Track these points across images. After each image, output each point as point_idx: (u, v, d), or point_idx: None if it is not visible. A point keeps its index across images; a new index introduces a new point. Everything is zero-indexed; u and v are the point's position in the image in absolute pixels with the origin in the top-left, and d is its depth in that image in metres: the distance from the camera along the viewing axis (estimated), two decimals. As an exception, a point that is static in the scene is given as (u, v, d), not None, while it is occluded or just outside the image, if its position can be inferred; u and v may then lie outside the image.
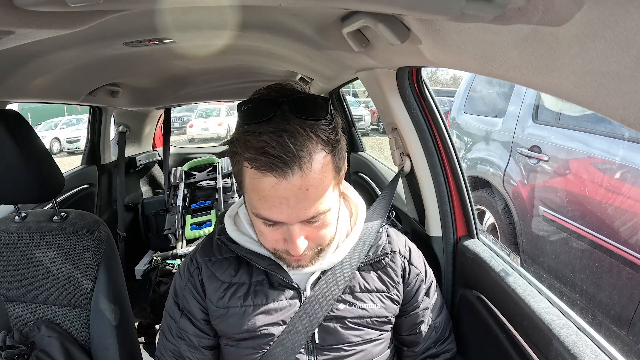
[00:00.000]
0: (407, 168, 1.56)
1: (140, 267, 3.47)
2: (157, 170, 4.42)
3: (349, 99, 3.43)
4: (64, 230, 1.48)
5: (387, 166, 2.62)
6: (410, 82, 1.48)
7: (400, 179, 1.64)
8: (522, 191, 3.72)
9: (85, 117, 3.26)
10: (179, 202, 3.64)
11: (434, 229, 1.54)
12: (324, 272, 1.11)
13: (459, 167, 1.51)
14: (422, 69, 1.45)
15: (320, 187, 0.87)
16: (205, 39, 1.63)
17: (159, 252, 3.43)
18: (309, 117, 0.86)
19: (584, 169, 3.21)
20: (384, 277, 1.15)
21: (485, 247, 1.44)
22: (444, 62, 0.99)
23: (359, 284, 1.13)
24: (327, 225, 0.96)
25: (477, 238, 1.52)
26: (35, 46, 1.30)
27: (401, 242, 1.23)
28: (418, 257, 1.24)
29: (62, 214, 1.54)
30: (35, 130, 1.46)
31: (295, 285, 1.09)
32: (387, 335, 1.19)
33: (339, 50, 1.43)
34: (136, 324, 1.75)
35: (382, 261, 1.17)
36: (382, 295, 1.13)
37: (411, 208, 1.71)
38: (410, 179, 1.61)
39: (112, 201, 3.51)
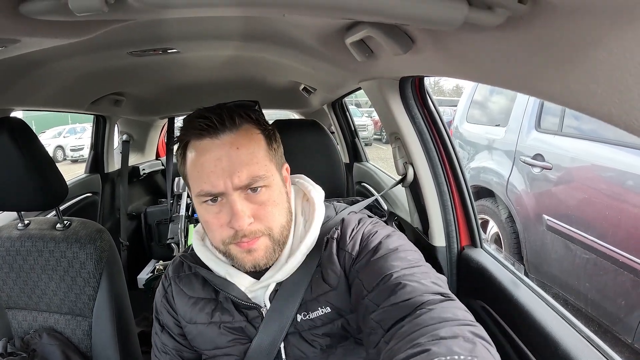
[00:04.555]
0: (410, 177, 1.56)
1: (143, 276, 3.46)
2: (160, 180, 4.42)
3: (352, 109, 3.44)
4: (67, 239, 1.48)
5: (390, 176, 2.62)
6: (413, 91, 1.48)
7: (403, 189, 1.64)
8: (526, 200, 3.72)
9: (89, 125, 3.27)
10: (182, 212, 3.63)
11: (438, 238, 1.53)
12: (280, 285, 1.06)
13: (462, 176, 1.51)
14: (425, 78, 1.45)
15: (250, 148, 0.94)
16: (210, 49, 1.64)
17: (161, 261, 3.43)
18: (244, 109, 1.01)
19: (588, 176, 3.20)
20: (329, 273, 1.03)
21: (489, 256, 1.43)
22: (447, 71, 1.00)
23: (310, 291, 1.05)
24: (272, 201, 0.97)
25: (481, 247, 1.51)
26: (41, 54, 1.31)
27: (340, 221, 1.11)
28: (351, 232, 1.06)
29: (65, 222, 1.54)
30: (40, 138, 1.47)
31: (254, 304, 1.05)
32: (354, 339, 1.07)
33: (342, 60, 1.43)
34: (138, 332, 1.75)
35: (321, 259, 1.06)
36: (329, 297, 1.02)
37: (415, 218, 1.70)
38: (414, 188, 1.61)
39: (115, 210, 3.51)
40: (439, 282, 0.89)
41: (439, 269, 1.51)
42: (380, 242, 1.00)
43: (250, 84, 2.65)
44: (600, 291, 3.02)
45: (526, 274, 3.51)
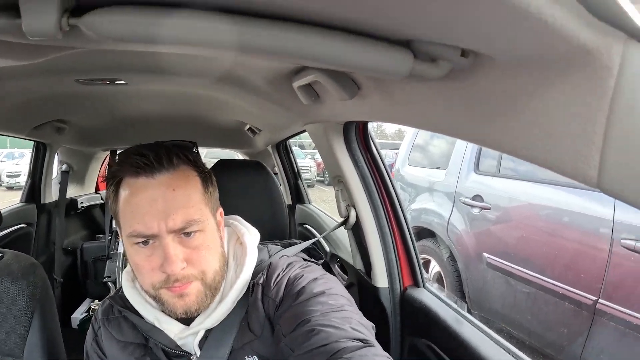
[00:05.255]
0: (352, 220, 1.58)
1: (77, 315, 3.30)
2: (98, 214, 4.25)
3: (295, 150, 3.45)
4: None
5: (332, 218, 2.63)
6: (357, 135, 1.52)
7: (346, 231, 1.66)
8: (466, 239, 3.84)
9: (29, 151, 3.14)
10: (120, 249, 3.50)
11: (381, 279, 1.54)
12: (209, 331, 1.01)
13: (403, 217, 1.55)
14: (369, 122, 1.50)
15: (187, 190, 0.91)
16: (158, 83, 1.64)
17: (97, 300, 3.29)
18: (182, 149, 0.97)
19: (526, 215, 3.39)
20: (254, 320, 0.99)
21: (432, 295, 1.46)
22: (390, 117, 1.03)
23: (237, 339, 1.01)
24: (205, 246, 0.93)
25: (424, 287, 1.54)
26: (-16, 73, 1.27)
27: (267, 265, 1.07)
28: (276, 277, 1.01)
29: None
30: None
31: (184, 352, 1.01)
32: None
33: (289, 103, 1.46)
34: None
35: (248, 305, 1.02)
36: (254, 345, 0.99)
37: (357, 260, 1.72)
38: (356, 230, 1.63)
39: (51, 243, 3.34)
40: (359, 328, 0.84)
41: (382, 309, 1.53)
42: (303, 287, 0.95)
43: (197, 121, 2.63)
44: (542, 322, 3.15)
45: (469, 311, 3.60)
